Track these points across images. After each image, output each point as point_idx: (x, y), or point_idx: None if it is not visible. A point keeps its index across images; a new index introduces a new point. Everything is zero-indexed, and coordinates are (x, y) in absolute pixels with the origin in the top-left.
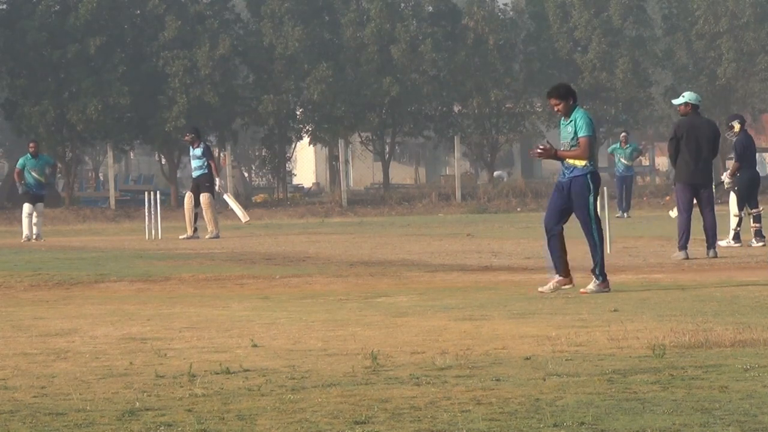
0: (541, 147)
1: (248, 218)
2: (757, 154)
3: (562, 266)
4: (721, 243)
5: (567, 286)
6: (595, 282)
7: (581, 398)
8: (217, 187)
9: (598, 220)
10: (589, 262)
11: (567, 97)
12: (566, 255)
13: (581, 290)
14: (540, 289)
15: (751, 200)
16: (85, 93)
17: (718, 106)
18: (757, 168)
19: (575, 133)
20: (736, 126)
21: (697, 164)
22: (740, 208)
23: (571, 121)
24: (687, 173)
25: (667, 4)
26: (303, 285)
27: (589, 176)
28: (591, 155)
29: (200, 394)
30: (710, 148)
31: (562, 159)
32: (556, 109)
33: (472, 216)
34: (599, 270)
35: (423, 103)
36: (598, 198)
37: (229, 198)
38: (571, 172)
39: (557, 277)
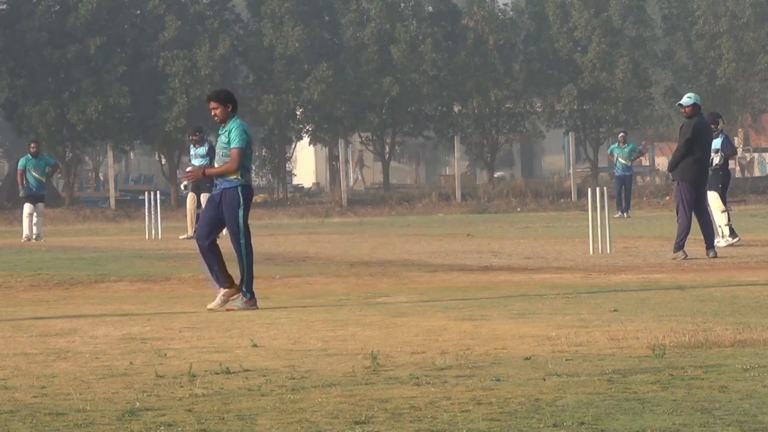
0: (188, 170)
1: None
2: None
3: (223, 277)
4: (720, 244)
5: (235, 296)
6: (242, 299)
7: (581, 398)
8: (183, 186)
9: (248, 235)
10: (589, 262)
11: (226, 102)
12: (224, 265)
13: (227, 307)
14: (209, 306)
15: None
16: (85, 93)
17: (718, 106)
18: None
19: (229, 143)
20: (721, 124)
21: (704, 165)
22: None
23: (227, 130)
24: (694, 173)
25: (667, 4)
26: (303, 285)
27: (240, 189)
28: (243, 168)
29: (200, 394)
30: (710, 149)
31: (212, 177)
32: (213, 113)
33: (472, 216)
34: (246, 286)
35: (423, 103)
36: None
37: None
38: (222, 184)
39: (222, 290)
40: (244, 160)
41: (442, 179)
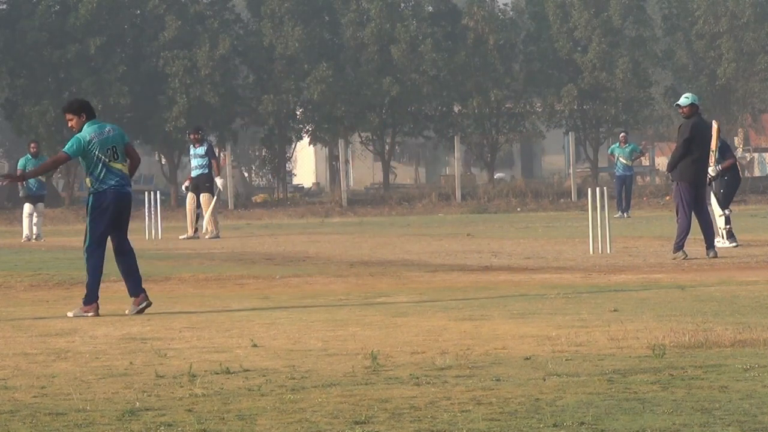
0: (5, 175)
1: (215, 233)
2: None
3: (131, 287)
4: (718, 244)
5: (143, 303)
6: (81, 306)
7: (581, 398)
8: (220, 186)
9: (94, 246)
10: (589, 262)
11: (80, 112)
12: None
13: (68, 313)
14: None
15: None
16: (85, 93)
17: (718, 106)
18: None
19: None
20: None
21: (703, 165)
22: (723, 207)
23: None
24: (693, 173)
25: (667, 4)
26: (303, 285)
27: (91, 196)
28: (90, 175)
29: (200, 394)
30: (709, 148)
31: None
32: (70, 124)
33: (472, 216)
34: (87, 294)
35: (423, 103)
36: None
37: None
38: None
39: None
40: (62, 163)
41: (442, 179)
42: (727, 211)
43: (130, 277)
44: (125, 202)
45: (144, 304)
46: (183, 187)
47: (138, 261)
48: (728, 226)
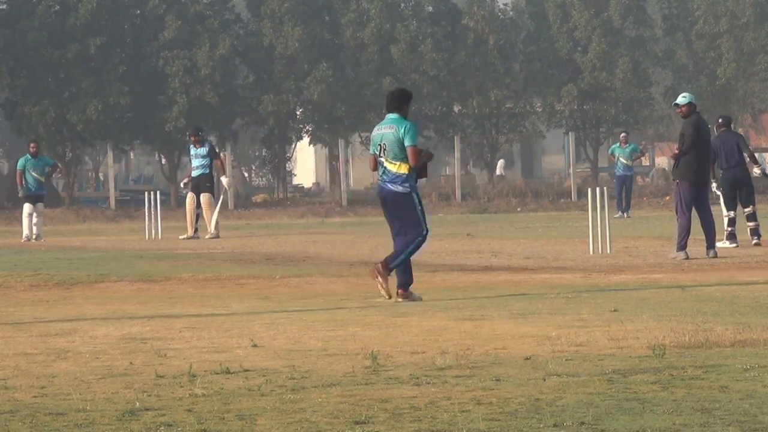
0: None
1: (215, 233)
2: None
3: None
4: (718, 243)
5: None
6: None
7: (581, 398)
8: (225, 185)
9: None
10: (589, 262)
11: None
12: None
13: None
14: None
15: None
16: (85, 93)
17: (718, 106)
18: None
19: None
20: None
21: (704, 164)
22: (730, 208)
23: None
24: (694, 172)
25: (667, 4)
26: (303, 285)
27: None
28: None
29: (200, 394)
30: (710, 147)
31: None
32: None
33: (472, 216)
34: None
35: (423, 103)
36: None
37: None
38: None
39: None
40: None
41: (442, 179)
42: (732, 213)
43: None
44: None
45: None
46: (182, 184)
47: (138, 261)
48: (731, 228)
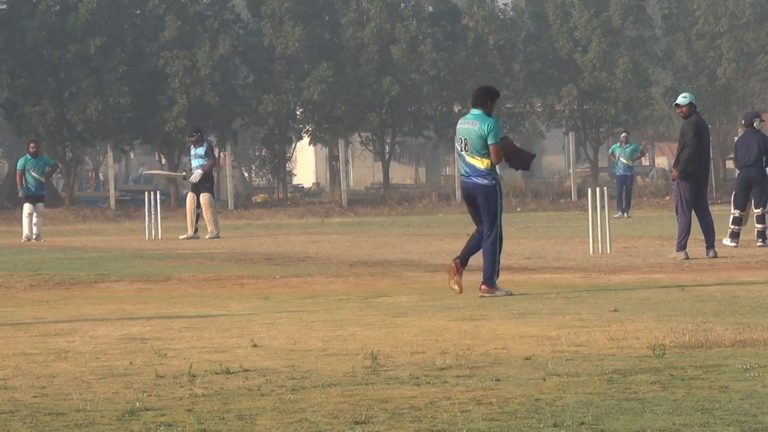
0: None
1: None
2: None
3: None
4: (724, 241)
5: None
6: None
7: (581, 398)
8: (191, 179)
9: None
10: (589, 262)
11: None
12: None
13: None
14: None
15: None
16: (85, 93)
17: (718, 106)
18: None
19: None
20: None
21: (704, 164)
22: (737, 207)
23: None
24: (695, 172)
25: (667, 4)
26: (303, 285)
27: None
28: None
29: (200, 394)
30: (710, 147)
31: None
32: None
33: None
34: None
35: (423, 103)
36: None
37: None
38: None
39: None
40: None
41: (442, 179)
42: (738, 212)
43: None
44: None
45: None
46: (182, 174)
47: (138, 261)
48: (735, 227)
